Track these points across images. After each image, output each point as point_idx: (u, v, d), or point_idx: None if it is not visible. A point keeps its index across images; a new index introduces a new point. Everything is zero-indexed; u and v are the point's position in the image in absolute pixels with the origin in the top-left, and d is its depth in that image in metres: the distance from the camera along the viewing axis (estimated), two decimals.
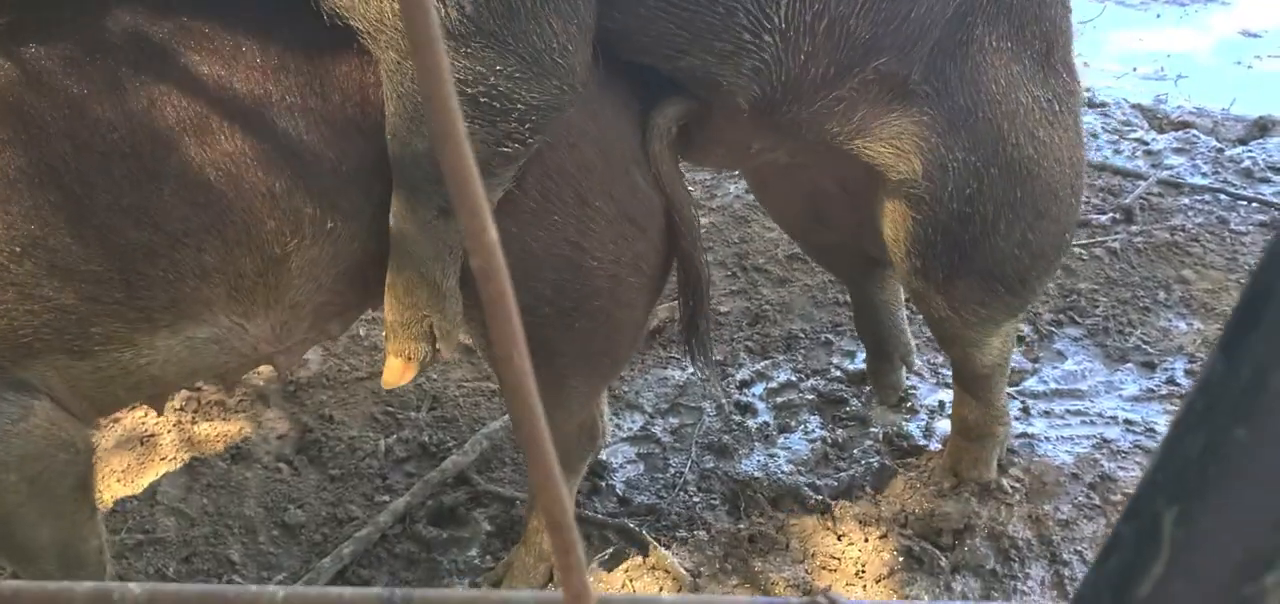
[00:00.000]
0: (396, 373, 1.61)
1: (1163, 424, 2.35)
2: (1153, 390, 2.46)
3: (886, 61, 1.64)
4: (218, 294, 1.47)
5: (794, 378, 2.54)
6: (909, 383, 2.49)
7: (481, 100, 1.39)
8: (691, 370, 2.57)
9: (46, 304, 1.40)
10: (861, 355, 2.60)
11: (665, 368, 2.60)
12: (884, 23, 1.59)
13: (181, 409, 2.47)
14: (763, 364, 2.60)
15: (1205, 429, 0.30)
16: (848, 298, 2.76)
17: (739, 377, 2.56)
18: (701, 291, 1.81)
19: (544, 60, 1.39)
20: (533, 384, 0.35)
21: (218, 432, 2.41)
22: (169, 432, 2.42)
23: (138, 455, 2.36)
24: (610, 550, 2.12)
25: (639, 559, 2.10)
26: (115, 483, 2.29)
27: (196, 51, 1.42)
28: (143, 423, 2.44)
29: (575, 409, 1.79)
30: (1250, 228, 2.99)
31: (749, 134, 1.75)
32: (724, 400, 2.48)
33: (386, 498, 2.25)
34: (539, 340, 1.67)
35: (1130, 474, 2.23)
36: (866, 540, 2.12)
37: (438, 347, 1.59)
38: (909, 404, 2.46)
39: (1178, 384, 2.47)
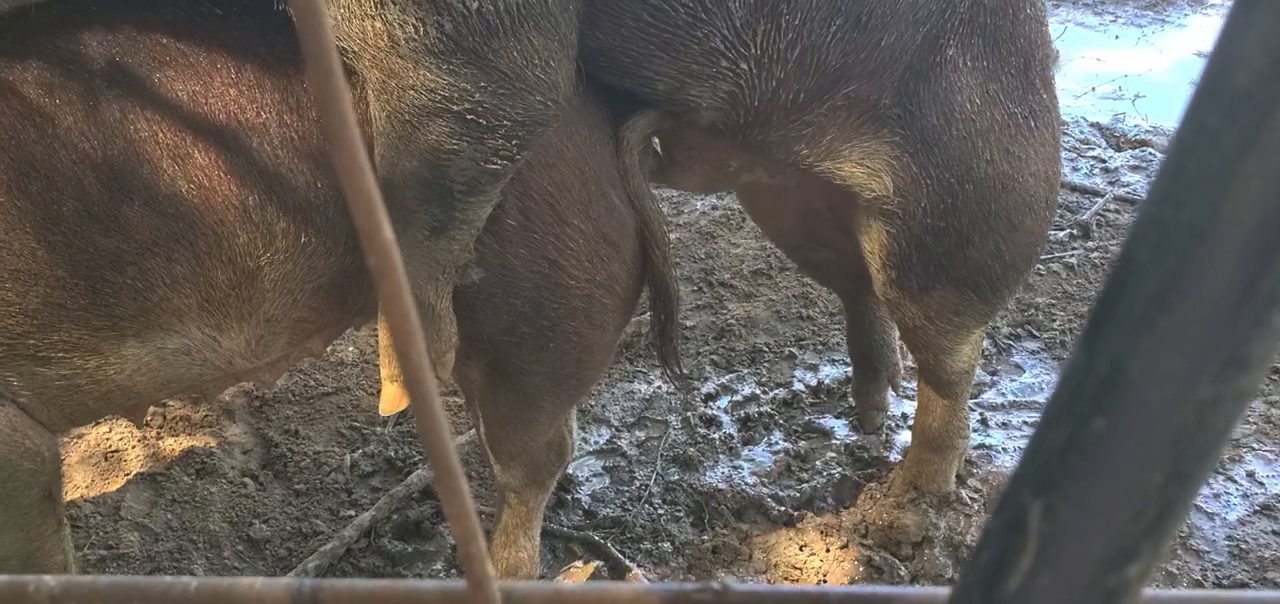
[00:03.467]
0: (393, 400, 1.58)
1: None
2: None
3: (856, 88, 1.66)
4: (189, 304, 1.47)
5: (758, 391, 2.57)
6: None
7: (468, 117, 1.39)
8: (658, 384, 2.60)
9: (8, 308, 1.39)
10: (824, 369, 2.64)
11: (632, 382, 2.62)
12: (854, 51, 1.61)
13: (147, 424, 2.46)
14: (728, 378, 2.63)
15: (1067, 422, 0.31)
16: (811, 313, 2.79)
17: (705, 390, 2.59)
18: (672, 308, 1.83)
19: (527, 76, 1.39)
20: (432, 379, 0.37)
21: (183, 446, 2.40)
22: (134, 446, 2.41)
23: (102, 470, 2.36)
24: (575, 563, 2.14)
25: (604, 571, 2.12)
26: (79, 498, 2.28)
27: (171, 66, 1.43)
28: (107, 437, 2.43)
29: (543, 427, 1.80)
30: None
31: (726, 153, 1.77)
32: (689, 412, 2.50)
33: (352, 512, 2.25)
34: (514, 360, 1.68)
35: None
36: (828, 550, 2.15)
37: (434, 369, 1.58)
38: None
39: None
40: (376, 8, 1.33)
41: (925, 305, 1.90)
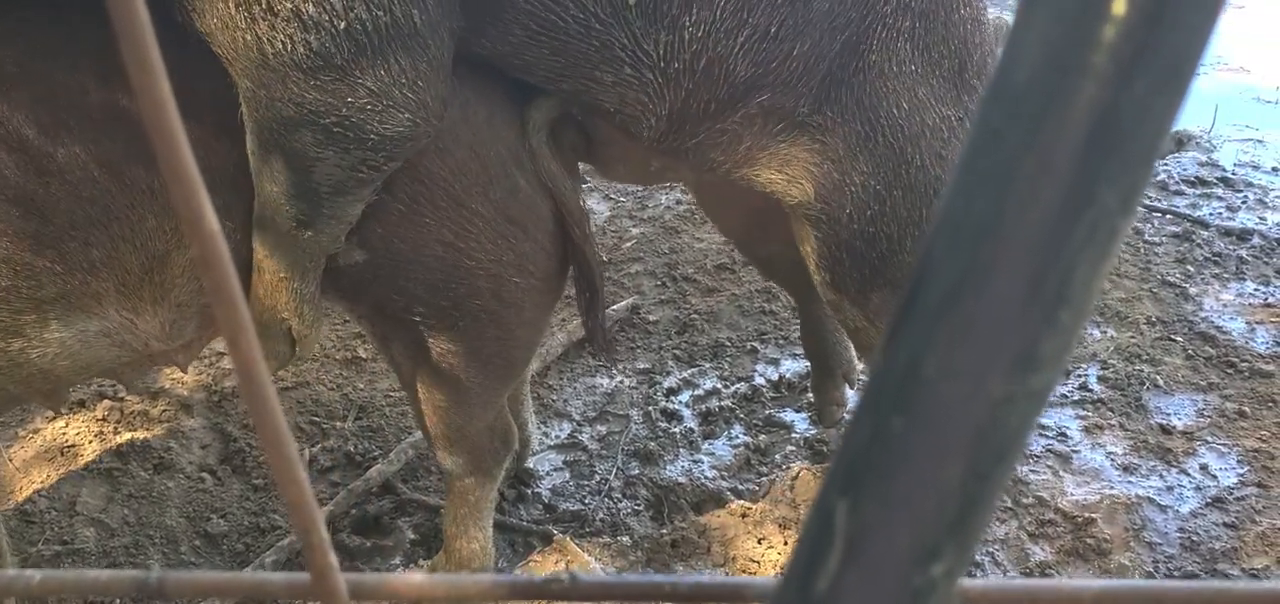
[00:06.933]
0: None
1: (1075, 429, 2.42)
2: (1066, 396, 2.53)
3: (770, 97, 1.64)
4: (107, 288, 1.49)
5: (719, 385, 2.58)
6: None
7: (334, 130, 1.42)
8: (619, 378, 2.60)
9: None
10: (785, 363, 2.64)
11: (593, 376, 2.62)
12: (764, 62, 1.59)
13: (104, 419, 2.44)
14: (690, 372, 2.63)
15: (870, 420, 0.31)
16: (773, 307, 2.80)
17: (666, 384, 2.59)
18: (595, 284, 1.83)
19: (393, 94, 1.41)
20: (263, 366, 0.37)
21: (140, 441, 2.39)
22: (90, 441, 2.39)
23: (57, 465, 2.33)
24: (534, 556, 2.13)
25: (561, 565, 2.12)
26: (34, 493, 2.26)
27: (80, 53, 1.45)
28: (63, 432, 2.41)
29: (476, 410, 1.81)
30: (1163, 239, 3.09)
31: (646, 154, 1.77)
32: (650, 406, 2.50)
33: None
34: (430, 340, 1.70)
35: (1041, 477, 2.29)
36: (785, 543, 2.16)
37: (295, 348, 1.65)
38: None
39: (1090, 390, 2.54)
40: (248, 22, 1.34)
41: (865, 308, 1.86)
